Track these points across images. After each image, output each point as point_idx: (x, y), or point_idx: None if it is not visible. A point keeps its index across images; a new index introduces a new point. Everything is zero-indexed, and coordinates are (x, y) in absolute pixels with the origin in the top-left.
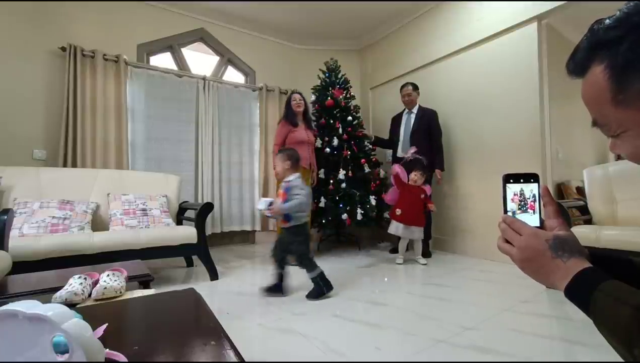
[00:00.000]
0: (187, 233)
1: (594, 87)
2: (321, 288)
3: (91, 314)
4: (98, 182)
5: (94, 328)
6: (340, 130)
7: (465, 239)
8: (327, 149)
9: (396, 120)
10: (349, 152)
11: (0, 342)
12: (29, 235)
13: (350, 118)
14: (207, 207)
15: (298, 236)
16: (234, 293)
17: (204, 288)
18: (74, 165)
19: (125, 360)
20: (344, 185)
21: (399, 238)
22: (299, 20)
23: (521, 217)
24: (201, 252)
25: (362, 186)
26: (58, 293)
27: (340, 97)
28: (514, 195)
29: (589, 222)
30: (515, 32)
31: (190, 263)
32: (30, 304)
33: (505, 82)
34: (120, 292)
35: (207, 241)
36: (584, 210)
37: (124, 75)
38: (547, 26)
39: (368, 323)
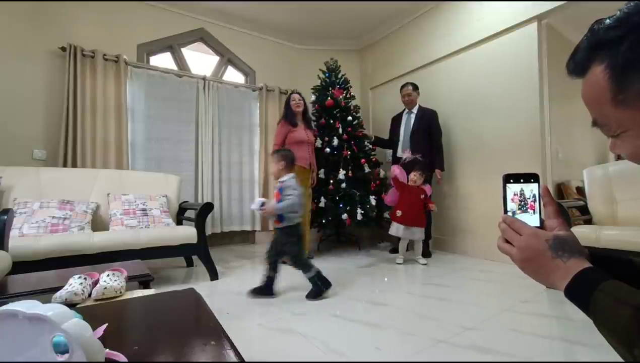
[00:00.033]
0: (187, 233)
1: (594, 87)
2: (319, 288)
3: (91, 314)
4: (98, 182)
5: (94, 328)
6: (340, 130)
7: (465, 239)
8: (327, 149)
9: (396, 120)
10: (349, 152)
11: (0, 342)
12: (29, 235)
13: (350, 118)
14: (207, 207)
15: (291, 236)
16: (234, 293)
17: (204, 288)
18: (74, 165)
19: (125, 360)
20: (344, 185)
21: (399, 238)
22: (299, 20)
23: (521, 217)
24: (201, 252)
25: (362, 186)
26: (58, 293)
27: (340, 97)
28: (514, 195)
29: (589, 222)
30: (515, 32)
31: (190, 263)
32: (30, 304)
33: (505, 82)
34: (120, 292)
35: (207, 241)
36: (584, 210)
37: (124, 75)
38: (547, 26)
39: (368, 323)
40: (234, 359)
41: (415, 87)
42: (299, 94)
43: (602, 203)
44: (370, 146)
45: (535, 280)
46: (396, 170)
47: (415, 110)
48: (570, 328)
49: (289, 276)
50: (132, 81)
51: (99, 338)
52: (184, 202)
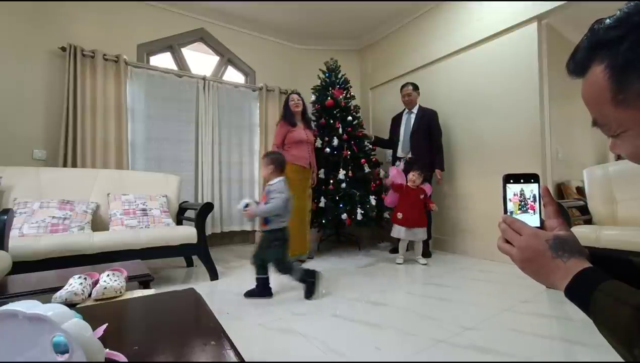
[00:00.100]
0: (187, 233)
1: (594, 87)
2: (311, 284)
3: (91, 314)
4: (98, 182)
5: (94, 328)
6: (340, 130)
7: (465, 239)
8: (327, 149)
9: (396, 120)
10: (349, 152)
11: (0, 342)
12: (29, 235)
13: (350, 118)
14: (207, 207)
15: (275, 240)
16: (234, 293)
17: (204, 288)
18: (74, 165)
19: (125, 360)
20: (344, 185)
21: (399, 238)
22: (299, 20)
23: (521, 217)
24: (201, 252)
25: (362, 186)
26: (58, 293)
27: (340, 97)
28: (514, 195)
29: (589, 222)
30: (515, 32)
31: (190, 263)
32: (30, 304)
33: (505, 82)
34: (120, 292)
35: (207, 241)
36: (584, 210)
37: (124, 75)
38: (547, 26)
39: (368, 323)
40: (234, 359)
41: (416, 87)
42: (298, 94)
43: (602, 203)
44: (370, 146)
45: (536, 280)
46: (393, 171)
47: (415, 110)
48: (570, 328)
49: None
50: (132, 81)
51: (99, 338)
52: (184, 202)
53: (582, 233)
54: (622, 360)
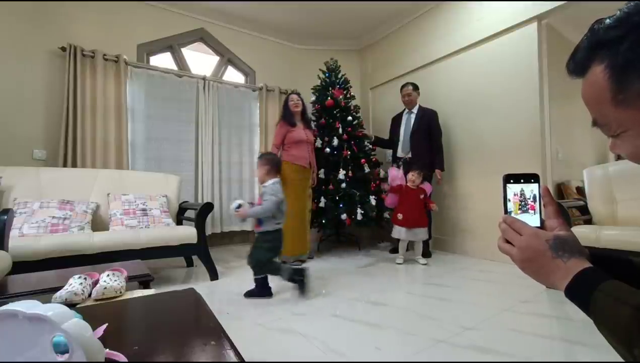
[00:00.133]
0: (187, 233)
1: (594, 87)
2: (301, 282)
3: (91, 314)
4: (98, 182)
5: (94, 328)
6: (340, 130)
7: (465, 239)
8: (327, 149)
9: (396, 120)
10: (349, 152)
11: (0, 342)
12: (29, 235)
13: (350, 118)
14: (207, 207)
15: (265, 242)
16: (234, 293)
17: (204, 288)
18: (74, 165)
19: (125, 360)
20: (344, 185)
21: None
22: (299, 20)
23: (521, 217)
24: (201, 252)
25: (362, 186)
26: (58, 293)
27: (340, 97)
28: (514, 195)
29: (589, 222)
30: (515, 32)
31: (190, 263)
32: (30, 304)
33: (505, 82)
34: (120, 292)
35: (207, 241)
36: (584, 210)
37: (124, 75)
38: (547, 26)
39: (368, 323)
40: (234, 359)
41: (416, 87)
42: (298, 94)
43: (602, 203)
44: (370, 146)
45: (536, 280)
46: (393, 172)
47: (415, 110)
48: (570, 328)
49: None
50: (132, 81)
51: (99, 338)
52: (184, 202)
53: (582, 233)
54: (622, 360)
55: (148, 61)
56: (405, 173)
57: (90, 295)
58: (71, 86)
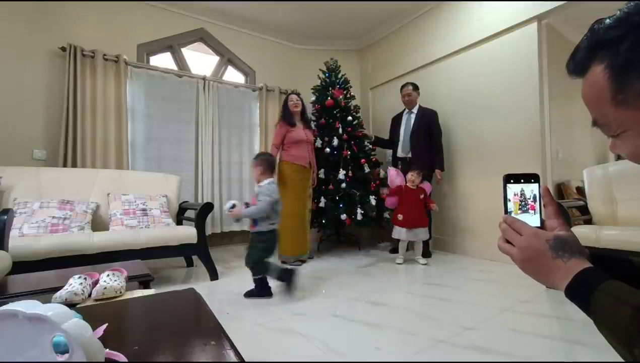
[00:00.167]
0: (187, 233)
1: (594, 87)
2: (289, 280)
3: (91, 314)
4: (98, 182)
5: (94, 328)
6: (340, 130)
7: (465, 239)
8: (327, 149)
9: (396, 120)
10: (349, 152)
11: (0, 342)
12: (29, 235)
13: (350, 118)
14: (207, 207)
15: (260, 242)
16: (234, 293)
17: (204, 288)
18: (74, 165)
19: (125, 360)
20: (344, 185)
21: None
22: (299, 20)
23: (522, 217)
24: (201, 252)
25: (362, 186)
26: (58, 293)
27: (340, 97)
28: (514, 195)
29: (589, 222)
30: (515, 32)
31: (190, 263)
32: (30, 304)
33: (505, 82)
34: (120, 292)
35: (207, 241)
36: (584, 210)
37: (124, 75)
38: (547, 26)
39: (368, 323)
40: (234, 359)
41: (416, 87)
42: (297, 94)
43: (602, 203)
44: (370, 146)
45: (536, 280)
46: (392, 172)
47: (415, 110)
48: (570, 328)
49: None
50: (132, 81)
51: (99, 338)
52: (184, 202)
53: (582, 233)
54: (622, 360)
55: (148, 61)
56: (405, 173)
57: (90, 295)
58: (71, 86)
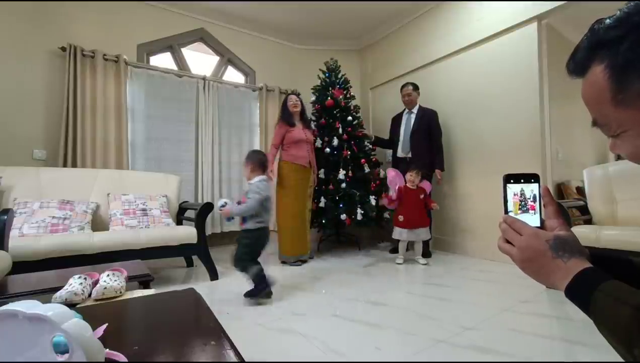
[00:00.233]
0: (187, 233)
1: (594, 87)
2: (260, 289)
3: (91, 314)
4: (98, 182)
5: (94, 328)
6: (340, 130)
7: (465, 239)
8: (327, 149)
9: (396, 120)
10: (349, 152)
11: (0, 342)
12: (29, 235)
13: (350, 118)
14: (207, 207)
15: (245, 239)
16: (234, 293)
17: (204, 288)
18: (74, 165)
19: (125, 360)
20: (344, 185)
21: None
22: (299, 20)
23: (522, 217)
24: (201, 252)
25: (362, 186)
26: (58, 293)
27: (340, 97)
28: (514, 195)
29: (589, 222)
30: (515, 32)
31: (190, 263)
32: (30, 304)
33: (505, 82)
34: (120, 292)
35: (207, 241)
36: (584, 210)
37: (124, 75)
38: (547, 26)
39: (368, 323)
40: (234, 359)
41: (416, 87)
42: (297, 94)
43: (602, 203)
44: (370, 146)
45: (536, 280)
46: (391, 173)
47: (415, 110)
48: (570, 328)
49: (289, 276)
50: (132, 81)
51: (99, 338)
52: (184, 202)
53: (582, 233)
54: (622, 360)
55: (148, 61)
56: (405, 173)
57: (90, 295)
58: (71, 86)
